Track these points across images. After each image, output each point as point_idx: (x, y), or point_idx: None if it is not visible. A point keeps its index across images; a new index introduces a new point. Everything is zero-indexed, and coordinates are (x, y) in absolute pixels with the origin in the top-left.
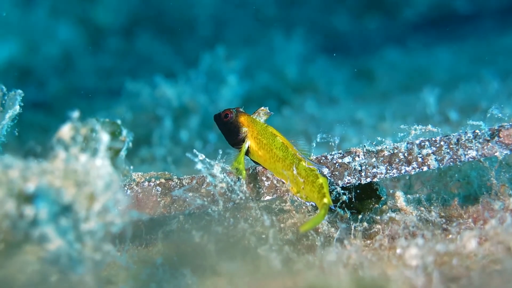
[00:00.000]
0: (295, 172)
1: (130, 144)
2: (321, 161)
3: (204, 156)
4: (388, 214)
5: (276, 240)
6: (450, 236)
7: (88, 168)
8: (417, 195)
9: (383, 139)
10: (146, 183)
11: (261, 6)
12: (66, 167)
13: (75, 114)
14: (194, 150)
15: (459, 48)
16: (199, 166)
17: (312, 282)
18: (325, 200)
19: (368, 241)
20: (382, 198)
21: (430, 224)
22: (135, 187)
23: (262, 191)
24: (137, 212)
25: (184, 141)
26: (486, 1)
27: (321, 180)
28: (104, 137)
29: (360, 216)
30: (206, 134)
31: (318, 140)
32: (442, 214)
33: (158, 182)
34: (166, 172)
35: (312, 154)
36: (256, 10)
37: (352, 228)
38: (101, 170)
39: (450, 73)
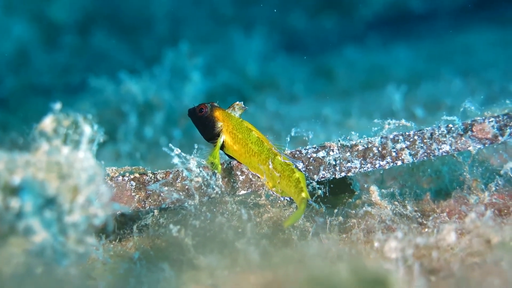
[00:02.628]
0: (271, 166)
1: (101, 139)
2: (296, 155)
3: (179, 151)
4: (364, 208)
5: (254, 234)
6: (426, 229)
7: (71, 161)
8: (391, 190)
9: (354, 134)
10: (120, 178)
11: (217, 4)
12: (49, 159)
13: (57, 105)
14: (170, 145)
15: (417, 46)
16: (176, 160)
17: (292, 275)
18: (303, 195)
19: (344, 235)
20: (356, 193)
21: (405, 218)
22: (109, 181)
23: (237, 186)
24: (119, 205)
25: (148, 137)
26: (440, 1)
27: (297, 174)
28: (87, 129)
29: (335, 211)
30: (171, 130)
31: (292, 134)
32: (416, 208)
33: (132, 176)
34: (140, 167)
35: (286, 148)
36: (212, 9)
37: (328, 222)
38: (84, 162)
39: (410, 71)
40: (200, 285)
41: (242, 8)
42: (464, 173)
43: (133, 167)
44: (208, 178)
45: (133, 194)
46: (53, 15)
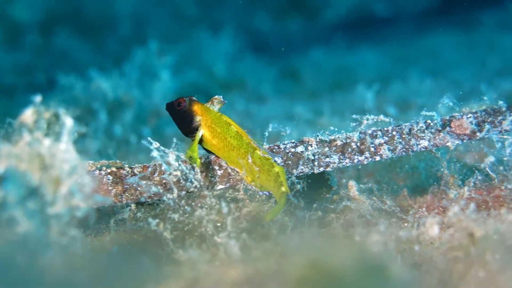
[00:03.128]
0: (250, 160)
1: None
2: (274, 150)
3: (158, 144)
4: (343, 203)
5: (234, 228)
6: (406, 224)
7: (53, 152)
8: (369, 185)
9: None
10: (97, 172)
11: (180, 5)
12: (31, 150)
13: (38, 98)
14: (149, 138)
15: (382, 49)
16: (155, 153)
17: (273, 269)
18: (283, 189)
19: (323, 229)
20: (333, 188)
21: (384, 213)
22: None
23: (215, 180)
24: (101, 197)
25: (118, 135)
26: (403, 5)
27: (277, 169)
28: (68, 121)
29: (314, 205)
30: (141, 128)
31: (270, 129)
32: (393, 203)
33: (109, 170)
34: (118, 161)
35: (264, 143)
36: (175, 9)
37: (307, 216)
38: (65, 154)
39: (378, 72)
40: (181, 279)
41: (206, 9)
42: (442, 169)
43: (110, 161)
44: (187, 172)
45: (110, 188)
46: (15, 15)
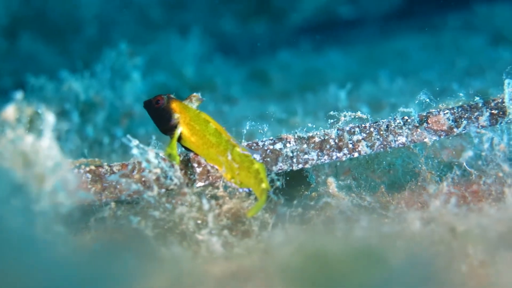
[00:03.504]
0: (229, 157)
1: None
2: (252, 147)
3: (138, 142)
4: (324, 199)
5: (215, 225)
6: (386, 220)
7: (36, 149)
8: (348, 182)
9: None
10: (76, 170)
11: (145, 8)
12: (15, 147)
13: (19, 95)
14: (128, 136)
15: (349, 51)
16: (135, 151)
17: (257, 265)
18: (263, 186)
19: (304, 226)
20: (312, 185)
21: (364, 209)
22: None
23: (194, 178)
24: (84, 193)
25: (90, 136)
26: (367, 8)
27: (256, 165)
28: (50, 118)
29: (294, 202)
30: (113, 129)
31: (247, 127)
32: (372, 200)
33: (88, 169)
34: (96, 159)
35: (242, 140)
36: (140, 12)
37: (288, 213)
38: (49, 151)
39: (347, 74)
40: (165, 276)
41: (170, 12)
42: (419, 165)
43: (89, 159)
44: (167, 169)
45: (89, 186)
46: None
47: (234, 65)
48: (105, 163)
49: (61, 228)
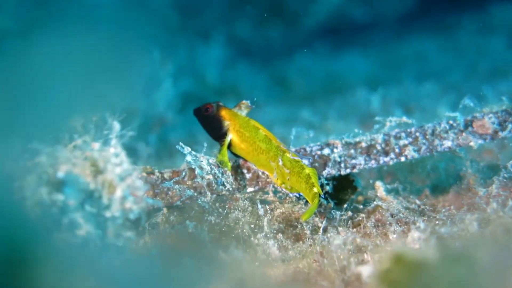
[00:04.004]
0: (280, 163)
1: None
2: (300, 153)
3: (190, 149)
4: (374, 202)
5: (270, 229)
6: (437, 222)
7: (104, 156)
8: (395, 185)
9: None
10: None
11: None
12: (85, 155)
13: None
14: (181, 143)
15: (366, 54)
16: (189, 158)
17: (315, 267)
18: (315, 190)
19: (354, 229)
20: (358, 190)
21: (415, 212)
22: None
23: (244, 183)
24: (151, 199)
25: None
26: (381, 11)
27: (307, 170)
28: (116, 125)
29: (345, 206)
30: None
31: (294, 134)
32: (421, 202)
33: (140, 175)
34: (148, 166)
35: (290, 146)
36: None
37: (338, 217)
38: (116, 158)
39: (368, 76)
40: (228, 280)
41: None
42: (464, 168)
43: (141, 167)
44: (220, 175)
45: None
46: None
47: (255, 70)
48: (156, 170)
49: (130, 233)
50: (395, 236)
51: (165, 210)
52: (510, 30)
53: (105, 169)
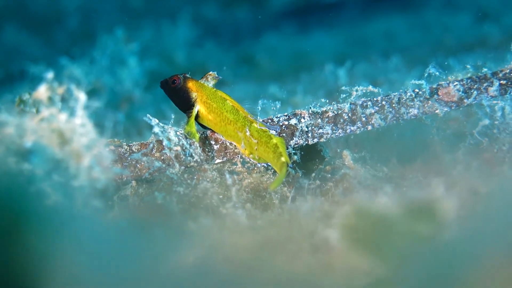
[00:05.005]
0: (248, 133)
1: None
2: (268, 123)
3: (157, 121)
4: (342, 170)
5: (239, 199)
6: (405, 188)
7: (72, 126)
8: (362, 154)
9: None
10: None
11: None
12: (51, 125)
13: (50, 74)
14: (148, 115)
15: (334, 33)
16: (156, 129)
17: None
18: (283, 159)
19: (323, 198)
20: (326, 159)
21: (383, 179)
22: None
23: (212, 155)
24: (119, 169)
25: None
26: None
27: (275, 140)
28: (81, 96)
29: (313, 175)
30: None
31: (260, 105)
32: (389, 170)
33: (107, 149)
34: (115, 139)
35: (258, 117)
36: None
37: (306, 186)
38: (83, 128)
39: (337, 54)
40: (198, 247)
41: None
42: (431, 136)
43: (108, 140)
44: (188, 146)
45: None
46: None
47: (222, 49)
48: (124, 143)
49: (98, 203)
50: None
51: (133, 183)
52: (476, 7)
53: (72, 139)
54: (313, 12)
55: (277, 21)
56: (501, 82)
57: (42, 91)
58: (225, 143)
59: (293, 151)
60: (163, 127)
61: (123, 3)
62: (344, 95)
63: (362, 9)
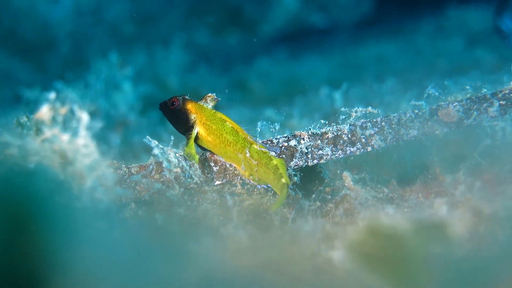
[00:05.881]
0: (248, 155)
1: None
2: (267, 145)
3: (157, 142)
4: (343, 191)
5: (240, 220)
6: (406, 210)
7: (73, 147)
8: (362, 175)
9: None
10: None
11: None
12: (53, 147)
13: (52, 95)
14: (148, 137)
15: (326, 58)
16: (156, 151)
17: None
18: (283, 180)
19: (323, 219)
20: (326, 180)
21: (383, 201)
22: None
23: (211, 176)
24: (121, 190)
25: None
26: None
27: (275, 161)
28: (84, 116)
29: (313, 196)
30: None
31: (259, 127)
32: (389, 191)
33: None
34: (115, 161)
35: (258, 139)
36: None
37: (306, 207)
38: (85, 149)
39: (331, 78)
40: (199, 269)
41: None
42: (430, 158)
43: (108, 162)
44: (188, 168)
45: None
46: None
47: (214, 75)
48: (123, 165)
49: (101, 224)
50: (363, 224)
51: (133, 205)
52: (467, 31)
53: (74, 160)
54: (304, 38)
55: (268, 46)
56: (501, 102)
57: (44, 112)
58: (225, 165)
59: (293, 173)
60: (162, 149)
61: (114, 29)
62: (343, 116)
63: (353, 34)
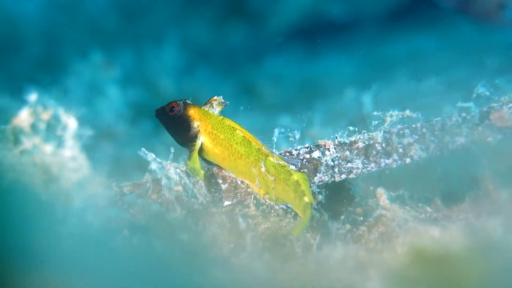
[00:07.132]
0: (262, 169)
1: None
2: (286, 156)
3: (154, 156)
4: (378, 211)
5: (254, 248)
6: (454, 233)
7: (60, 160)
8: (400, 192)
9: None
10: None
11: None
12: (34, 160)
13: (33, 96)
14: (143, 149)
15: (348, 55)
16: (153, 166)
17: None
18: (306, 199)
19: (354, 245)
20: (356, 199)
21: (425, 222)
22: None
23: (220, 196)
24: (114, 210)
25: None
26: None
27: (295, 176)
28: (71, 123)
29: (342, 217)
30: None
31: (276, 135)
32: (432, 211)
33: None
34: (104, 179)
35: (274, 149)
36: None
37: (334, 231)
38: (73, 162)
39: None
40: None
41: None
42: (481, 170)
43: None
44: (191, 185)
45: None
46: None
47: (217, 77)
48: (114, 184)
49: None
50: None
51: (126, 231)
52: None
53: (59, 176)
54: (322, 33)
55: (280, 44)
56: None
57: (23, 117)
58: (235, 182)
59: (317, 190)
60: (161, 163)
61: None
62: (376, 122)
63: (380, 27)
